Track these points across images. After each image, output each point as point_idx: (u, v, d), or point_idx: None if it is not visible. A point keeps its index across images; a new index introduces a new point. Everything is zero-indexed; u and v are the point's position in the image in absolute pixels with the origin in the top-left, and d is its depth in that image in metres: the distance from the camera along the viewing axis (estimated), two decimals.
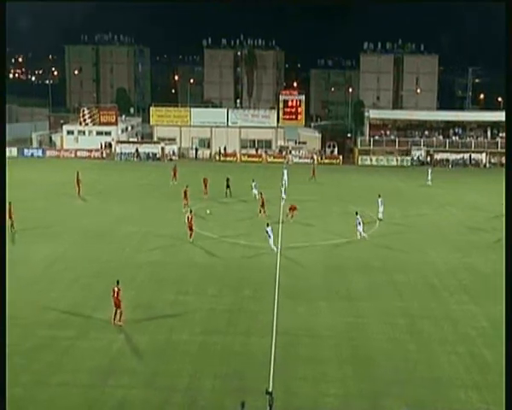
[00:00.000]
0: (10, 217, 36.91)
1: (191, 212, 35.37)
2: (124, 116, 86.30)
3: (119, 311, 23.13)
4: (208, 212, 41.83)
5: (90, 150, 75.05)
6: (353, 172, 66.07)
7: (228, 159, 73.61)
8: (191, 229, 34.57)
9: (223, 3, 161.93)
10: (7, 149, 74.77)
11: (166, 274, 29.69)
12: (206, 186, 49.99)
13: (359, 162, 72.66)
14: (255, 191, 46.35)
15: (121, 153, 73.69)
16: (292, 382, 19.48)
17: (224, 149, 75.07)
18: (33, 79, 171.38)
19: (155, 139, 77.60)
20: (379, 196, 41.58)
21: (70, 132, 78.75)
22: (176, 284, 28.22)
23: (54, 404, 17.82)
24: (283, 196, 46.89)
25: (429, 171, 58.07)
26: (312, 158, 72.04)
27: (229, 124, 77.13)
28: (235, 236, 36.26)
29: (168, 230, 38.12)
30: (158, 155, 73.71)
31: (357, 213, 36.22)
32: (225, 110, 79.57)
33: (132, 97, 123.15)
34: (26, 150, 75.77)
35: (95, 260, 31.68)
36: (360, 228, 35.78)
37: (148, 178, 59.74)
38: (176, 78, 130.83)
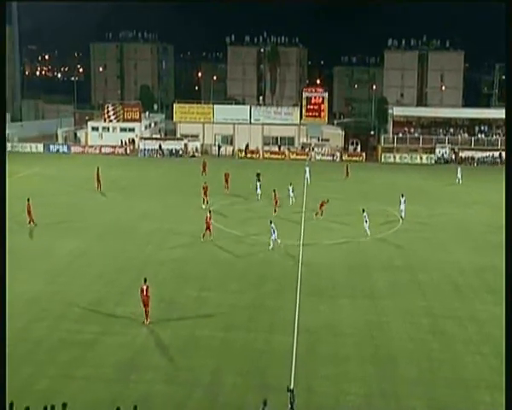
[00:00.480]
0: (29, 213, 37.42)
1: (210, 212, 35.25)
2: (147, 113, 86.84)
3: (147, 309, 22.93)
4: (203, 207, 41.70)
5: (114, 146, 75.75)
6: (376, 170, 65.48)
7: (250, 156, 73.57)
8: (208, 228, 34.37)
9: (246, 1, 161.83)
10: (33, 145, 76.26)
11: (189, 271, 29.85)
12: (227, 181, 50.17)
13: (382, 160, 71.97)
14: (291, 194, 44.53)
15: (144, 149, 74.19)
16: (313, 380, 19.44)
17: (247, 146, 75.01)
18: (59, 76, 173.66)
19: (178, 136, 77.88)
20: (402, 195, 41.13)
21: (94, 129, 79.55)
22: (198, 281, 28.37)
23: (79, 397, 18.07)
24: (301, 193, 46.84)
25: (458, 169, 57.15)
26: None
27: (252, 121, 76.99)
28: (258, 233, 36.26)
29: (190, 227, 38.26)
30: (181, 152, 74.02)
31: (364, 211, 35.95)
32: (248, 107, 79.40)
33: (156, 94, 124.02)
34: (51, 146, 76.75)
35: (118, 256, 32.00)
36: (366, 226, 35.55)
37: (170, 175, 60.06)
38: (199, 75, 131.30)
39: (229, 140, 77.84)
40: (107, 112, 79.41)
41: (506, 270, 17.78)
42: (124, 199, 46.87)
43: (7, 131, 79.23)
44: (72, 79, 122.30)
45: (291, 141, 76.64)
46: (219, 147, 75.71)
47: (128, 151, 75.39)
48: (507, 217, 19.08)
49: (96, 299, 25.86)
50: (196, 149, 74.93)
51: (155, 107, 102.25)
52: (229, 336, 22.35)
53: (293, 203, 43.89)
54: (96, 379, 19.19)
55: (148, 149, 74.35)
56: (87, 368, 19.87)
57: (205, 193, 43.17)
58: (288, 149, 74.92)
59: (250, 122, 76.94)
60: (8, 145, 76.87)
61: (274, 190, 41.89)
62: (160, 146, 74.17)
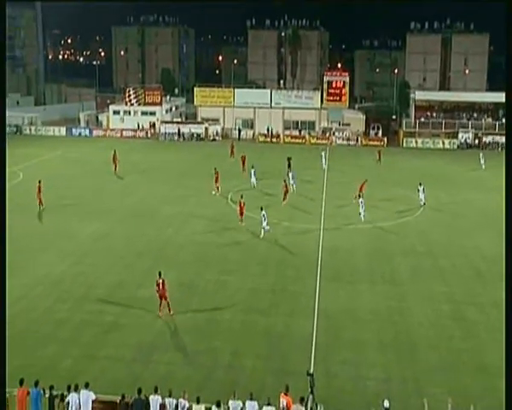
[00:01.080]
0: (38, 194, 37.60)
1: (242, 197, 34.67)
2: (168, 96, 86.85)
3: (164, 302, 22.39)
4: (214, 193, 41.47)
5: (135, 130, 76.02)
6: (398, 155, 64.70)
7: (271, 140, 73.20)
8: (241, 214, 33.90)
9: None
10: (56, 129, 76.93)
11: (209, 254, 29.90)
12: (244, 164, 49.96)
13: (404, 145, 71.05)
14: (292, 182, 43.42)
15: (165, 133, 74.32)
16: (333, 365, 19.36)
17: (268, 129, 74.65)
18: (81, 60, 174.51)
19: (199, 120, 77.89)
20: (420, 184, 40.29)
21: (116, 112, 79.87)
22: (218, 264, 28.41)
23: (101, 377, 18.26)
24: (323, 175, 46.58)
25: (481, 154, 56.15)
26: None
27: (273, 105, 76.61)
28: (279, 217, 36.14)
29: (210, 210, 38.32)
30: (201, 136, 74.01)
31: (360, 196, 35.93)
32: (269, 91, 79.03)
33: (177, 78, 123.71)
34: (74, 130, 77.36)
35: (138, 239, 32.18)
36: (362, 211, 35.12)
37: (191, 159, 60.06)
38: (220, 58, 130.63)
39: (249, 124, 77.61)
40: (129, 96, 79.70)
41: (506, 269, 17.71)
42: (144, 182, 47.05)
43: (30, 115, 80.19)
44: (94, 63, 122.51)
45: (311, 125, 76.09)
46: (240, 131, 75.50)
47: (149, 135, 75.60)
48: (507, 216, 18.87)
49: (117, 281, 26.06)
50: (217, 133, 74.82)
51: (176, 91, 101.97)
52: (249, 320, 22.37)
53: (294, 191, 42.32)
54: (118, 360, 19.36)
55: (169, 133, 74.46)
56: (108, 349, 20.06)
57: (216, 180, 42.30)
58: (309, 133, 74.40)
59: (271, 106, 76.58)
60: (32, 129, 77.84)
61: (284, 180, 40.96)
62: (178, 130, 74.14)
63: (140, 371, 18.66)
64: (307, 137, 73.19)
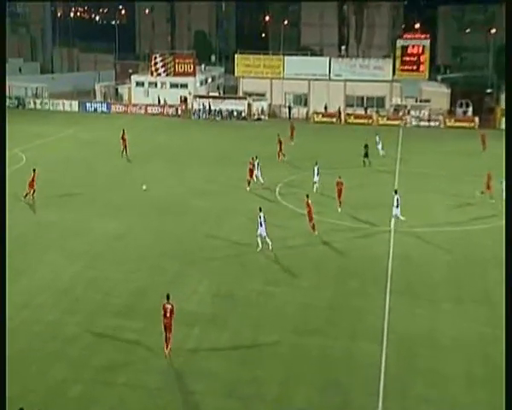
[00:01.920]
0: (31, 185, 38.20)
1: (308, 197, 33.74)
2: (203, 65, 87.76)
3: (169, 335, 21.37)
4: (144, 188, 40.98)
5: (163, 106, 76.97)
6: (493, 139, 63.12)
7: (329, 120, 72.84)
8: (311, 219, 32.97)
9: None
10: (66, 103, 78.71)
11: (251, 259, 29.90)
12: (281, 148, 50.08)
13: (502, 126, 69.30)
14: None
15: (199, 110, 74.94)
16: (407, 401, 19.05)
17: (325, 107, 74.33)
18: (97, 19, 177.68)
19: (241, 94, 78.20)
20: (500, 182, 38.97)
21: (139, 84, 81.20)
22: (263, 272, 28.37)
23: (119, 407, 18.44)
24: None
25: None
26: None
27: (332, 76, 76.17)
28: (340, 215, 35.84)
29: (251, 205, 38.29)
30: (243, 114, 74.27)
31: (396, 192, 34.35)
32: (327, 59, 78.66)
33: (213, 42, 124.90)
34: (88, 104, 79.04)
35: (164, 239, 32.47)
36: (397, 210, 33.80)
37: (230, 142, 60.35)
38: (266, 19, 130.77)
39: (302, 100, 77.47)
40: (155, 64, 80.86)
41: (506, 269, 18.86)
42: (172, 170, 47.52)
43: (35, 85, 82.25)
44: (113, 23, 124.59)
45: (380, 102, 75.28)
46: (290, 108, 75.46)
47: (179, 112, 76.40)
48: (507, 216, 20.54)
49: (138, 289, 26.34)
50: (262, 111, 74.97)
51: (213, 58, 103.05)
52: (301, 342, 22.22)
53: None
54: (139, 387, 19.53)
55: (204, 110, 74.99)
56: (128, 373, 20.24)
57: (250, 173, 41.46)
58: (377, 111, 73.60)
59: (329, 78, 76.23)
60: (37, 102, 79.82)
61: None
62: (209, 106, 74.57)
63: (165, 403, 18.76)
64: (375, 116, 72.44)
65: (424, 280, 27.82)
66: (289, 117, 74.40)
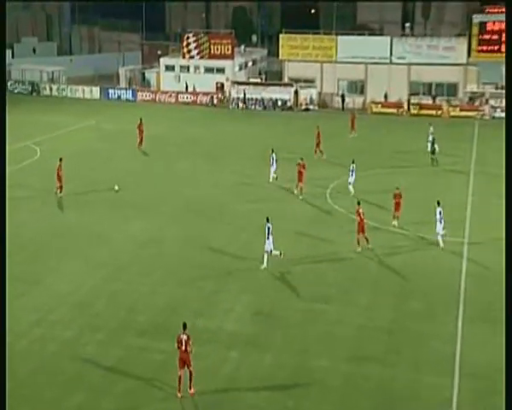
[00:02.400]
0: (58, 178, 39.57)
1: (359, 204, 33.25)
2: (243, 47, 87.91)
3: (188, 369, 20.70)
4: (116, 188, 40.97)
5: (196, 93, 77.44)
6: None
7: (389, 110, 72.32)
8: (363, 231, 32.28)
9: None
10: (86, 89, 79.79)
11: (298, 272, 29.89)
12: (318, 144, 50.07)
13: None
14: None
15: (238, 98, 75.20)
16: None
17: (385, 95, 73.82)
18: None
19: (286, 80, 78.19)
20: None
21: (169, 68, 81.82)
22: (311, 287, 28.35)
23: None
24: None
25: None
26: None
27: (394, 60, 75.58)
28: (402, 222, 35.56)
29: (300, 208, 38.28)
30: (289, 103, 74.26)
31: (438, 204, 32.90)
32: (388, 39, 77.97)
33: (255, 21, 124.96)
34: (111, 91, 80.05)
35: (199, 247, 32.63)
36: (440, 227, 32.49)
37: (275, 136, 60.35)
38: None
39: (358, 87, 77.06)
40: (187, 45, 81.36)
41: (506, 269, 20.33)
42: (206, 168, 47.78)
43: (51, 68, 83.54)
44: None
45: (452, 89, 74.35)
46: (343, 97, 75.14)
47: (215, 101, 76.76)
48: (507, 216, 22.29)
49: (167, 305, 26.53)
50: (311, 100, 74.92)
51: (254, 38, 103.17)
52: (355, 371, 22.11)
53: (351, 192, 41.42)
54: None
55: (242, 98, 75.18)
56: (156, 402, 20.38)
57: (300, 176, 40.70)
58: (448, 101, 72.66)
59: (390, 61, 75.65)
60: (54, 88, 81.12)
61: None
62: (244, 94, 74.74)
63: None
64: (445, 106, 71.60)
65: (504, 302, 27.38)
66: (342, 107, 74.11)
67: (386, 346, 23.75)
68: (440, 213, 32.46)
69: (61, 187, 39.96)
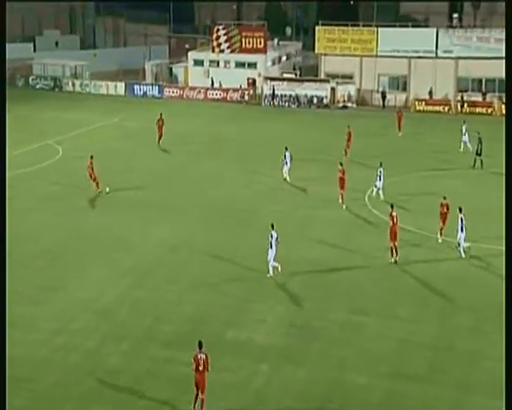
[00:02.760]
0: (91, 175, 40.86)
1: (392, 207, 32.73)
2: (276, 40, 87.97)
3: (201, 396, 20.42)
4: (107, 190, 41.32)
5: (226, 90, 77.66)
6: None
7: (434, 108, 71.82)
8: (395, 238, 31.75)
9: None
10: (111, 85, 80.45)
11: (334, 280, 29.91)
12: (348, 144, 50.37)
13: None
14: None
15: (270, 95, 75.18)
16: None
17: (430, 92, 73.33)
18: None
19: (322, 76, 78.06)
20: None
21: (198, 63, 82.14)
22: (348, 297, 28.31)
23: None
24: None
25: None
26: None
27: (440, 53, 74.97)
28: (446, 230, 35.31)
29: (336, 213, 38.21)
30: (325, 101, 74.16)
31: (460, 211, 32.51)
32: (434, 31, 77.37)
33: (289, 12, 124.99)
34: (136, 87, 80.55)
35: (228, 252, 32.74)
36: (462, 236, 32.26)
37: (311, 135, 60.36)
38: None
39: (400, 84, 76.65)
40: (217, 38, 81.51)
41: (506, 269, 21.14)
42: (237, 168, 47.91)
43: (74, 63, 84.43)
44: None
45: (504, 85, 73.45)
46: (384, 94, 74.77)
47: (246, 97, 76.92)
48: (507, 216, 23.07)
49: (194, 314, 26.67)
50: (349, 97, 74.72)
51: (288, 31, 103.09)
52: (396, 389, 22.03)
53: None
54: None
55: (277, 95, 75.19)
56: None
57: (341, 183, 39.66)
58: (500, 98, 71.90)
59: (436, 55, 75.07)
60: (76, 83, 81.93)
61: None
62: (273, 91, 74.76)
63: None
64: (496, 104, 70.89)
65: None
66: (383, 105, 73.80)
67: (429, 363, 23.59)
68: (462, 220, 32.17)
69: (97, 184, 41.09)
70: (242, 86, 78.13)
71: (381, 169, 41.11)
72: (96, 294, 28.33)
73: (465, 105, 71.32)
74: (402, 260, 31.97)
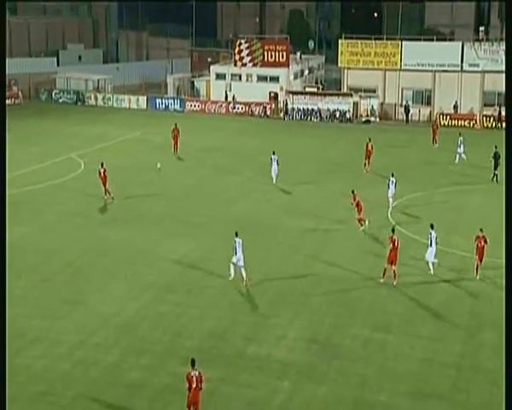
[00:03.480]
0: (104, 183, 42.31)
1: (394, 231, 32.13)
2: (299, 53, 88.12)
3: None
4: (159, 166, 43.80)
5: (249, 104, 77.88)
6: None
7: (460, 123, 71.51)
8: (394, 262, 31.12)
9: None
10: (133, 99, 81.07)
11: (357, 297, 29.90)
12: (368, 157, 50.76)
13: None
14: None
15: (293, 109, 75.36)
16: None
17: (455, 106, 73.05)
18: None
19: (345, 90, 78.12)
20: None
21: (220, 76, 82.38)
22: (371, 314, 28.29)
23: None
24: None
25: None
26: None
27: (465, 67, 74.73)
28: (468, 246, 35.21)
29: (354, 233, 38.16)
30: (348, 115, 74.19)
31: (432, 227, 32.51)
32: (459, 44, 77.18)
33: (312, 24, 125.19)
34: (158, 100, 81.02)
35: (250, 267, 32.64)
36: (432, 252, 32.21)
37: (333, 150, 60.45)
38: None
39: (424, 98, 76.47)
40: (240, 51, 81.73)
41: (506, 269, 22.01)
42: (260, 183, 47.98)
43: (97, 77, 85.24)
44: (190, 0, 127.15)
45: None
46: (408, 109, 74.63)
47: (268, 111, 77.13)
48: (507, 219, 24.19)
49: (215, 329, 26.78)
50: (372, 111, 74.65)
51: (311, 44, 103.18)
52: (418, 408, 21.93)
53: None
54: None
55: (300, 109, 75.35)
56: None
57: (359, 208, 38.42)
58: None
59: (461, 69, 74.85)
60: (99, 97, 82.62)
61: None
62: (285, 104, 74.95)
63: None
64: None
65: None
66: (407, 120, 73.68)
67: (453, 383, 23.45)
68: (432, 236, 32.17)
69: (107, 192, 42.35)
70: (264, 100, 78.36)
71: (393, 179, 41.79)
72: (117, 308, 28.54)
73: (478, 119, 71.22)
74: (424, 276, 31.93)
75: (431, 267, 32.41)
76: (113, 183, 42.55)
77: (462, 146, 54.53)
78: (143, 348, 25.27)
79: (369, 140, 51.64)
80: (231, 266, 31.18)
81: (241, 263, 30.83)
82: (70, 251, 34.78)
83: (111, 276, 31.87)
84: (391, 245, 31.37)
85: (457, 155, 54.34)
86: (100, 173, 42.46)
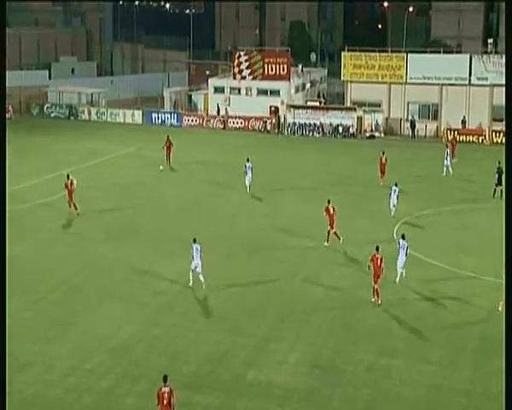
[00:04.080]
0: (69, 194, 42.98)
1: (378, 250, 31.53)
2: (300, 66, 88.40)
3: None
4: (161, 168, 43.73)
5: (248, 118, 77.93)
6: None
7: (468, 138, 71.57)
8: (376, 281, 31.31)
9: None
10: (128, 113, 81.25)
11: (360, 320, 29.82)
12: (383, 170, 51.52)
13: None
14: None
15: (294, 124, 75.45)
16: None
17: (463, 121, 73.13)
18: (168, 7, 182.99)
19: (348, 104, 78.24)
20: None
21: (218, 90, 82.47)
22: (376, 336, 28.21)
23: None
24: None
25: None
26: None
27: (473, 80, 74.85)
28: (476, 267, 35.22)
29: (361, 246, 38.13)
30: (352, 130, 74.27)
31: (403, 238, 33.46)
32: (467, 57, 77.34)
33: (314, 36, 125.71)
34: (154, 115, 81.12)
35: (249, 288, 32.85)
36: (401, 262, 33.19)
37: (336, 166, 60.47)
38: (385, 5, 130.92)
39: (431, 112, 76.54)
40: (239, 64, 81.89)
41: (506, 269, 22.64)
42: (259, 201, 48.00)
43: (91, 91, 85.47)
44: (188, 11, 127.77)
45: None
46: (413, 123, 74.74)
47: (268, 126, 77.20)
48: (507, 220, 24.86)
49: (213, 354, 26.66)
50: (376, 126, 74.76)
51: (313, 57, 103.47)
52: None
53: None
54: None
55: (301, 124, 75.44)
56: None
57: (330, 220, 38.58)
58: None
59: (469, 82, 74.94)
60: (93, 111, 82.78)
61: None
62: (277, 119, 75.91)
63: None
64: None
65: None
66: (413, 135, 73.78)
67: (462, 409, 23.42)
68: (402, 246, 33.13)
69: (73, 204, 42.98)
70: (265, 115, 78.46)
71: (396, 188, 42.87)
72: (112, 330, 28.44)
73: (487, 135, 71.44)
74: (431, 300, 31.88)
75: (398, 276, 33.21)
76: (107, 200, 42.54)
77: (448, 158, 55.68)
78: (138, 374, 25.14)
79: (383, 153, 51.95)
80: (190, 273, 32.42)
81: (199, 269, 32.27)
82: (63, 269, 34.79)
83: (105, 295, 31.80)
84: (374, 265, 31.06)
85: (444, 168, 55.53)
86: (66, 186, 42.87)
